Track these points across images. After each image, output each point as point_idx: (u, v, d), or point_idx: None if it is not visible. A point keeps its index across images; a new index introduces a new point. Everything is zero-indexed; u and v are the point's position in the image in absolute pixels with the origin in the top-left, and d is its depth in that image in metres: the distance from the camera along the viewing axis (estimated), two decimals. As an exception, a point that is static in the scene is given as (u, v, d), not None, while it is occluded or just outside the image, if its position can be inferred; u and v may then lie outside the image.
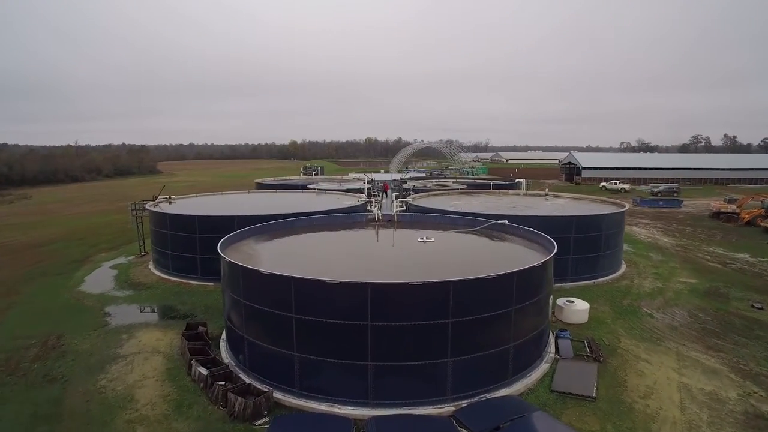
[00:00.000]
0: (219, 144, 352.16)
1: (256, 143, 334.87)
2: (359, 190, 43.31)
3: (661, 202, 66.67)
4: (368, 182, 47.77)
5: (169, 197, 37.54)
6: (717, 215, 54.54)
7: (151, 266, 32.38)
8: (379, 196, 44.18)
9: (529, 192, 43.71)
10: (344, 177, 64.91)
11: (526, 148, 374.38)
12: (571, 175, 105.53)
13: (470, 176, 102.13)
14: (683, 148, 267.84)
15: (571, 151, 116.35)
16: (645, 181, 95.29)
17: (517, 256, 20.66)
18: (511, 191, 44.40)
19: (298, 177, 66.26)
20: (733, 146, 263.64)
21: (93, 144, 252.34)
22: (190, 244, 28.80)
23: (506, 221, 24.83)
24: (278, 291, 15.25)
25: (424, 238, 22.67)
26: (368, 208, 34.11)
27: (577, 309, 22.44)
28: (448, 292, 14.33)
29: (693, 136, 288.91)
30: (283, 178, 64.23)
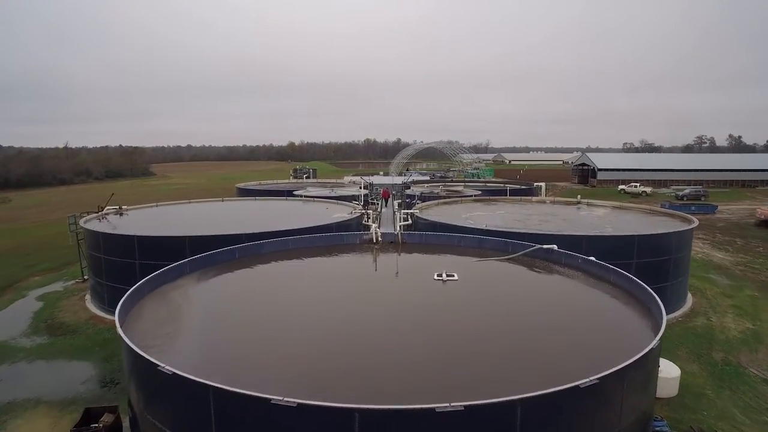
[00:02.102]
0: (218, 145, 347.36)
1: (255, 145, 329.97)
2: (354, 197, 36.37)
3: (693, 207, 59.68)
4: (365, 187, 40.87)
5: (120, 208, 30.57)
6: (766, 223, 47.70)
7: (87, 298, 25.44)
8: (377, 204, 37.30)
9: (558, 199, 36.72)
10: (338, 181, 58.02)
11: (526, 149, 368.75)
12: (584, 177, 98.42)
13: (476, 179, 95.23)
14: (687, 149, 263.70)
15: (585, 152, 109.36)
16: (665, 183, 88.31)
17: (587, 308, 13.69)
18: (534, 198, 37.45)
19: (286, 181, 59.31)
20: (738, 146, 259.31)
21: (90, 146, 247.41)
22: (129, 272, 21.70)
23: (555, 246, 17.88)
24: (189, 407, 8.29)
25: (444, 274, 15.66)
26: (364, 221, 27.22)
27: (666, 377, 15.46)
28: (514, 421, 7.36)
29: (697, 137, 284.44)
30: (271, 181, 57.21)
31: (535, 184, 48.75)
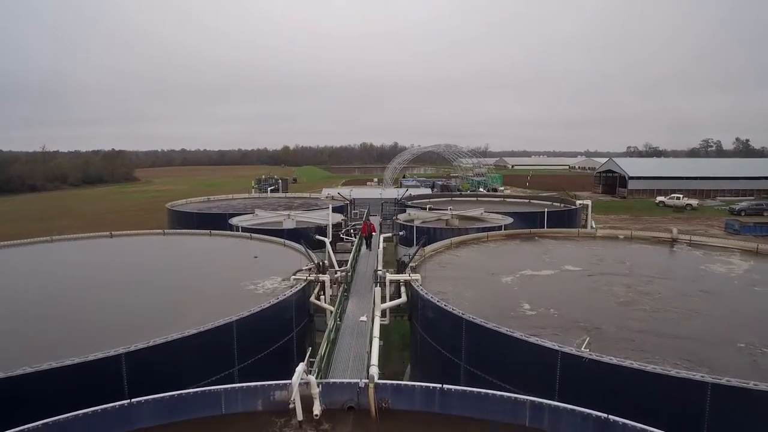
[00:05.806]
0: (213, 149, 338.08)
1: (250, 149, 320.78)
2: (318, 231, 23.00)
3: (770, 229, 46.79)
4: (336, 207, 27.48)
5: None
6: None
7: None
8: (352, 240, 24.02)
9: (637, 234, 23.28)
10: (312, 195, 44.37)
11: (526, 153, 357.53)
12: (611, 186, 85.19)
13: (484, 187, 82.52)
14: (692, 153, 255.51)
15: (613, 158, 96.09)
16: (708, 193, 75.10)
17: None
18: (599, 232, 24.09)
19: (245, 195, 45.78)
20: (746, 150, 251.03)
21: (83, 150, 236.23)
22: None
23: None
24: None
25: None
26: (314, 299, 13.96)
27: None
28: None
29: (703, 140, 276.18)
30: (224, 196, 43.72)
31: (579, 202, 35.36)
